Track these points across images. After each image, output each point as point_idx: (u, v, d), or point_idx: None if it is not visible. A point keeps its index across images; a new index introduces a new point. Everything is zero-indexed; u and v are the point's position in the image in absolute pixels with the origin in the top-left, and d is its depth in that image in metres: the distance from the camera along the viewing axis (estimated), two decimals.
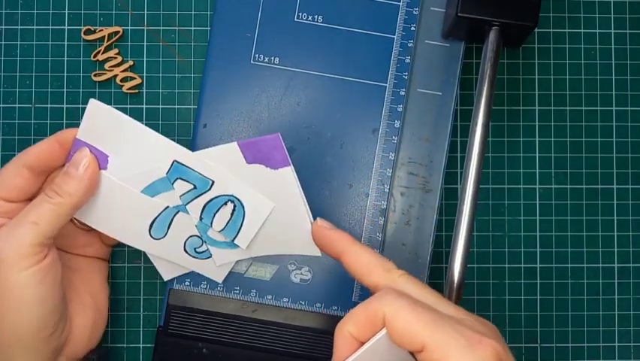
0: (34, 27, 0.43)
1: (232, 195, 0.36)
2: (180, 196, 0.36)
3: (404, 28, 0.41)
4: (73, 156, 0.35)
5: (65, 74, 0.43)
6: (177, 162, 0.35)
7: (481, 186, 0.42)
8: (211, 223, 0.37)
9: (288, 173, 0.35)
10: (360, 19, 0.41)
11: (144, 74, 0.43)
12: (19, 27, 0.43)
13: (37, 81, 0.43)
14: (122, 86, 0.42)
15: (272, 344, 0.40)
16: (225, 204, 0.36)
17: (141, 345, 0.42)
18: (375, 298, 0.30)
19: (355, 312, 0.30)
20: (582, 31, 0.44)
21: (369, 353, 0.30)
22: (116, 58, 0.42)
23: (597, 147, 0.43)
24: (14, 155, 0.42)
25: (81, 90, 0.43)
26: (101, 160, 0.35)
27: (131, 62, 0.43)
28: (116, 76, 0.42)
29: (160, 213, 0.37)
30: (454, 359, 0.27)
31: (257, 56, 0.41)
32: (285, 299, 0.40)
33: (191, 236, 0.38)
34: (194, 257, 0.38)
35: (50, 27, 0.43)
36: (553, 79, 0.44)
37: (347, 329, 0.30)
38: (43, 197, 0.34)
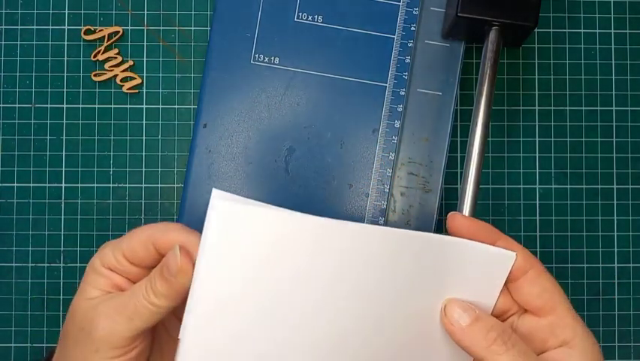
0: (34, 27, 0.43)
1: None
2: None
3: (404, 28, 0.41)
4: (167, 255, 0.31)
5: (65, 74, 0.43)
6: None
7: (481, 186, 0.42)
8: None
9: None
10: (360, 19, 0.41)
11: (144, 74, 0.43)
12: (19, 27, 0.43)
13: (37, 81, 0.43)
14: (122, 86, 0.42)
15: None
16: None
17: None
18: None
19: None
20: (582, 31, 0.44)
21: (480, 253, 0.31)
22: (116, 58, 0.42)
23: (597, 147, 0.43)
24: (14, 155, 0.43)
25: (81, 90, 0.43)
26: None
27: (131, 62, 0.43)
28: (116, 76, 0.42)
29: None
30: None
31: (257, 56, 0.41)
32: None
33: None
34: None
35: (50, 27, 0.43)
36: (553, 79, 0.44)
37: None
38: (143, 290, 0.31)
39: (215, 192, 0.30)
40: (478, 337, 0.30)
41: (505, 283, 0.32)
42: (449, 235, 0.33)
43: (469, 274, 0.32)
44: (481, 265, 0.32)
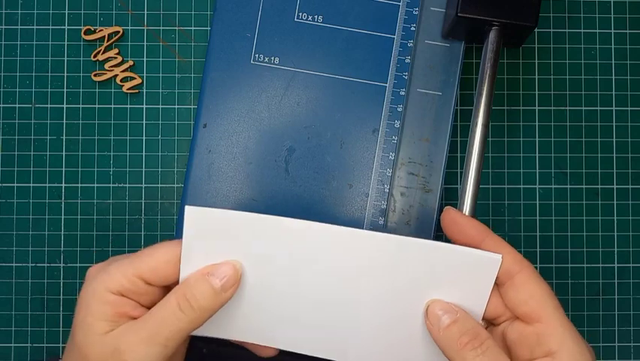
0: (34, 27, 0.43)
1: None
2: None
3: (404, 28, 0.41)
4: (218, 266, 0.31)
5: (65, 74, 0.43)
6: None
7: (481, 186, 0.42)
8: None
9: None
10: (360, 19, 0.41)
11: (144, 74, 0.43)
12: (19, 27, 0.43)
13: (37, 81, 0.43)
14: (122, 86, 0.42)
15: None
16: None
17: None
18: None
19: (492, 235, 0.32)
20: (582, 31, 0.44)
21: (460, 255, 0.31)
22: (116, 58, 0.42)
23: (597, 147, 0.43)
24: (14, 155, 0.43)
25: (81, 90, 0.43)
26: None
27: (131, 62, 0.43)
28: (116, 76, 0.42)
29: None
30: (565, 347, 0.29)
31: (257, 56, 0.41)
32: None
33: None
34: None
35: (50, 27, 0.43)
36: (553, 79, 0.44)
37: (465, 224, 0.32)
38: (176, 311, 0.29)
39: (188, 208, 0.31)
40: (451, 339, 0.30)
41: (497, 287, 0.32)
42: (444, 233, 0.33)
43: (457, 278, 0.31)
44: (469, 269, 0.31)
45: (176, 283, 0.31)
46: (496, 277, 0.31)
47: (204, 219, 0.31)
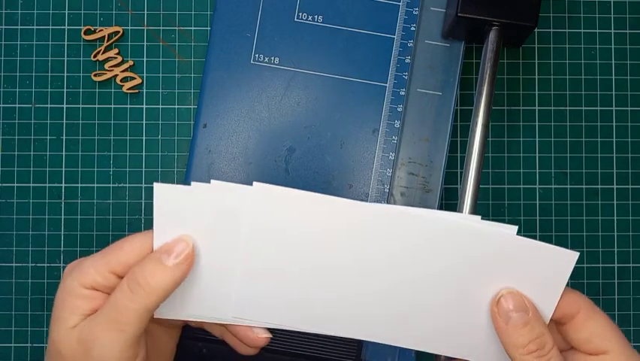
0: (34, 27, 0.43)
1: None
2: None
3: (404, 28, 0.41)
4: (172, 243, 0.30)
5: (65, 74, 0.43)
6: None
7: (481, 186, 0.42)
8: None
9: None
10: (360, 19, 0.41)
11: (144, 74, 0.43)
12: (19, 27, 0.43)
13: (37, 81, 0.43)
14: (122, 86, 0.42)
15: (272, 344, 0.40)
16: None
17: None
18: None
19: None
20: (582, 31, 0.44)
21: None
22: (116, 58, 0.42)
23: (597, 147, 0.43)
24: (14, 155, 0.43)
25: (81, 90, 0.43)
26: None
27: (131, 62, 0.43)
28: (116, 76, 0.42)
29: None
30: None
31: (257, 56, 0.41)
32: None
33: None
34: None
35: (50, 27, 0.43)
36: (553, 79, 0.44)
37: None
38: (127, 293, 0.29)
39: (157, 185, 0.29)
40: (518, 340, 0.29)
41: (557, 326, 0.31)
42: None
43: (527, 270, 0.30)
44: (540, 262, 0.30)
45: None
46: (557, 319, 0.30)
47: (175, 197, 0.29)
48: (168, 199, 0.29)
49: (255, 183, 0.29)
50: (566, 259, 0.30)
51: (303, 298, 0.31)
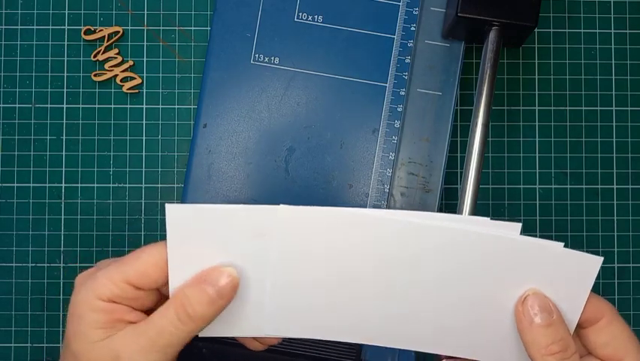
0: (34, 27, 0.43)
1: None
2: None
3: (404, 28, 0.41)
4: (211, 271, 0.30)
5: (65, 74, 0.43)
6: None
7: (481, 185, 0.42)
8: None
9: None
10: (360, 19, 0.41)
11: (144, 74, 0.43)
12: (19, 27, 0.43)
13: (37, 81, 0.43)
14: (122, 86, 0.42)
15: (272, 344, 0.40)
16: None
17: None
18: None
19: None
20: (582, 31, 0.44)
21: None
22: (116, 58, 0.42)
23: (597, 147, 0.43)
24: (14, 155, 0.43)
25: (81, 90, 0.43)
26: None
27: (131, 62, 0.43)
28: (116, 76, 0.43)
29: None
30: None
31: (257, 56, 0.41)
32: None
33: None
34: None
35: (50, 27, 0.43)
36: (553, 79, 0.44)
37: None
38: (175, 321, 0.29)
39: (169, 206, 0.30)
40: (541, 340, 0.29)
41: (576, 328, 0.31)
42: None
43: (551, 275, 0.30)
44: (564, 268, 0.30)
45: (166, 285, 0.31)
46: (579, 322, 0.31)
47: (187, 217, 0.29)
48: (183, 222, 0.30)
49: (281, 205, 0.30)
50: (591, 264, 0.30)
51: (332, 310, 0.32)
